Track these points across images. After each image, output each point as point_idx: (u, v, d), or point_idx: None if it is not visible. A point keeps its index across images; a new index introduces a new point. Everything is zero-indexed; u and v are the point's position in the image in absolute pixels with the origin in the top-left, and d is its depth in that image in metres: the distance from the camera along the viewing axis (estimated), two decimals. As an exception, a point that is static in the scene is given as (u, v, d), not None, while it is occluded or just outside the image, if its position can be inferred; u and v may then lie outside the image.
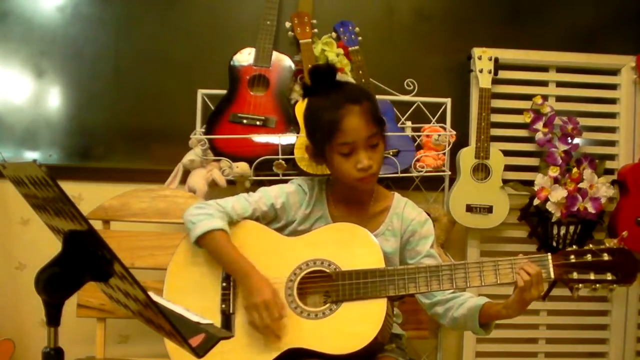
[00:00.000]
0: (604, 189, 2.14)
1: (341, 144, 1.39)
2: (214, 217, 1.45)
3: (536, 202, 2.14)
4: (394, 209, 1.52)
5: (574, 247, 1.36)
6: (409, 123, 2.19)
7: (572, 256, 1.33)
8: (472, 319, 1.39)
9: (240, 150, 1.98)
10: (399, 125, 2.15)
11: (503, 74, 2.22)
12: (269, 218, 1.54)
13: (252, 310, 1.38)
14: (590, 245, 1.34)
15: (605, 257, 1.32)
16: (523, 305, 1.30)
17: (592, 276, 1.32)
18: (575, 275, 1.32)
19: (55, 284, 0.83)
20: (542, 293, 1.29)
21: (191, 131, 2.05)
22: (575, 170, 2.14)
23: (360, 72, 2.08)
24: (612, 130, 2.31)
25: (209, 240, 1.43)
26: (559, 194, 2.11)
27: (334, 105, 1.38)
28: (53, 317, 0.84)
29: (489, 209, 2.14)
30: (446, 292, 1.45)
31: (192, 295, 1.46)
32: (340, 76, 1.48)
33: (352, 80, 2.04)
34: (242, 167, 1.95)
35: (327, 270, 1.41)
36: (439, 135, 2.11)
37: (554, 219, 2.14)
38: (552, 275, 1.33)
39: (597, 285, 1.32)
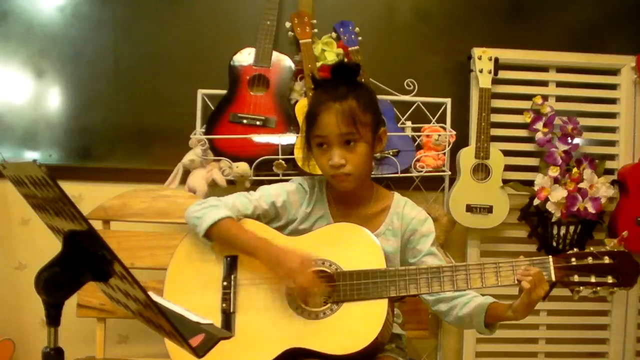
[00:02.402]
0: (604, 189, 2.14)
1: (316, 136, 1.44)
2: (219, 208, 1.46)
3: (536, 202, 2.14)
4: (394, 208, 1.52)
5: (575, 249, 1.36)
6: (409, 123, 2.19)
7: (573, 259, 1.33)
8: (477, 319, 1.39)
9: (240, 150, 1.98)
10: (399, 125, 2.15)
11: (503, 74, 2.22)
12: (270, 217, 1.54)
13: (286, 280, 1.37)
14: (592, 248, 1.34)
15: (607, 260, 1.32)
16: (530, 307, 1.30)
17: (592, 279, 1.32)
18: (576, 277, 1.32)
19: (55, 284, 0.82)
20: (546, 290, 1.29)
21: (191, 131, 2.05)
22: (575, 170, 2.14)
23: (360, 72, 2.08)
24: (612, 130, 2.31)
25: (219, 229, 1.44)
26: (559, 194, 2.11)
27: (319, 99, 1.44)
28: (53, 317, 0.84)
29: (489, 209, 2.14)
30: None
31: (192, 295, 1.46)
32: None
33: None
34: (242, 167, 1.95)
35: (328, 271, 1.41)
36: (439, 135, 2.10)
37: (554, 219, 2.14)
38: (553, 278, 1.32)
39: (598, 288, 1.32)
